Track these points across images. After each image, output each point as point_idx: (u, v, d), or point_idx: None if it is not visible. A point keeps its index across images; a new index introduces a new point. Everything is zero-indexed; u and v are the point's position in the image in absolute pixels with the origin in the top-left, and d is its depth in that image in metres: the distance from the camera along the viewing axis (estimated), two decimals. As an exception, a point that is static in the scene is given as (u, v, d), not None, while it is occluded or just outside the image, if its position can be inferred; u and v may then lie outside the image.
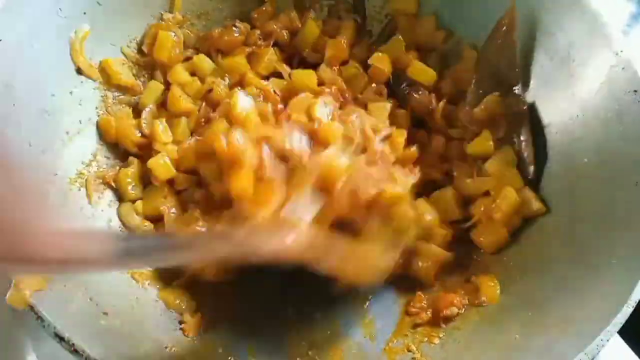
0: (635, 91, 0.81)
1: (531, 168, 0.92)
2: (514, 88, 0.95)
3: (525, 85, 0.96)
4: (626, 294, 0.67)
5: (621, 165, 0.81)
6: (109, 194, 0.88)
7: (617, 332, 0.67)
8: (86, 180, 0.85)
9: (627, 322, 0.66)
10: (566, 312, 0.74)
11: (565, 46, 0.91)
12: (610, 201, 0.80)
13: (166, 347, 0.74)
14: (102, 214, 0.86)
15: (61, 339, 0.58)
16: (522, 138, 0.93)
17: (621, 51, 0.84)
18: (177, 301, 0.82)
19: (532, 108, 0.95)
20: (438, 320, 0.85)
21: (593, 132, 0.86)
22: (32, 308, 0.59)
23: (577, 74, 0.90)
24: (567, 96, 0.91)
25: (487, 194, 0.92)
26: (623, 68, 0.83)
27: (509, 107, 0.95)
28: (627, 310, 0.66)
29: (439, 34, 1.06)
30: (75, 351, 0.58)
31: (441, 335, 0.83)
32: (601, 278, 0.74)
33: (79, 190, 0.84)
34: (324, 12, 1.11)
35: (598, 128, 0.85)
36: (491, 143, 0.94)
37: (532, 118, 0.95)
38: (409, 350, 0.82)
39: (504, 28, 0.95)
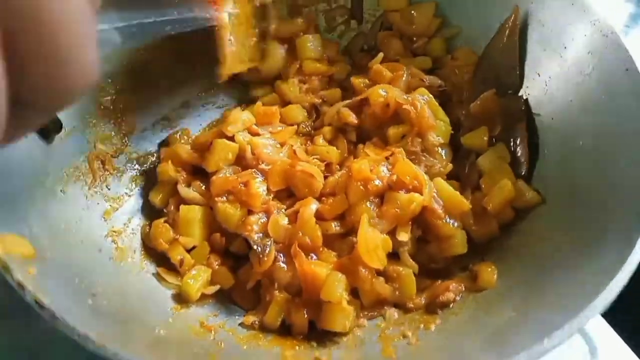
0: (627, 69, 0.81)
1: (524, 166, 0.92)
2: (512, 91, 0.97)
3: (521, 81, 0.97)
4: (620, 264, 0.65)
5: (615, 143, 0.80)
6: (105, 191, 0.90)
7: (617, 332, 0.65)
8: (88, 158, 0.88)
9: (626, 321, 0.65)
10: (561, 290, 0.72)
11: (557, 34, 0.91)
12: (606, 181, 0.79)
13: (155, 329, 0.73)
14: (97, 207, 0.87)
15: (41, 307, 0.58)
16: (517, 136, 0.93)
17: (611, 33, 0.84)
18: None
19: (527, 104, 0.95)
20: (434, 306, 0.83)
21: (587, 115, 0.86)
22: (14, 279, 0.59)
23: (569, 60, 0.90)
24: (561, 83, 0.91)
25: (478, 187, 0.92)
26: (614, 49, 0.83)
27: (506, 106, 0.95)
28: (622, 276, 0.64)
29: (435, 22, 1.07)
30: (54, 318, 0.57)
31: (437, 322, 0.81)
32: (596, 256, 0.72)
33: (75, 182, 0.85)
34: (319, 18, 1.13)
35: (592, 110, 0.85)
36: (486, 138, 0.94)
37: (527, 115, 0.94)
38: (405, 337, 0.80)
39: (507, 31, 0.97)
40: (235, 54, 0.92)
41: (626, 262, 0.65)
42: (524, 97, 0.95)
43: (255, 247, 0.83)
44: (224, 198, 0.87)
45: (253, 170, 0.90)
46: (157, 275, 0.86)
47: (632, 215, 0.71)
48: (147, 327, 0.73)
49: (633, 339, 0.88)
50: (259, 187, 0.87)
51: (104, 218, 0.87)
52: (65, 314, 0.58)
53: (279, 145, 0.94)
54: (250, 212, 0.87)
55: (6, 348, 0.87)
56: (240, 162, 0.91)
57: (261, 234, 0.85)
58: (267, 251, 0.83)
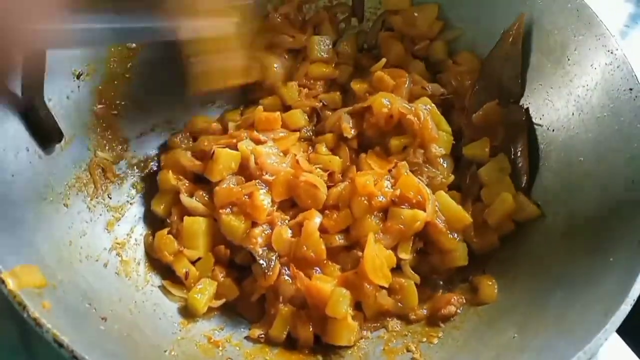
0: (631, 89, 0.81)
1: (524, 178, 0.93)
2: (514, 100, 0.97)
3: (522, 89, 0.97)
4: (624, 292, 0.67)
5: (617, 163, 0.81)
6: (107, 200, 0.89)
7: (617, 332, 0.67)
8: (89, 166, 0.87)
9: (626, 321, 0.66)
10: (564, 310, 0.74)
11: (561, 45, 0.91)
12: (607, 199, 0.80)
13: (165, 351, 0.74)
14: (100, 219, 0.86)
15: (60, 345, 0.58)
16: (518, 147, 0.94)
17: (616, 50, 0.84)
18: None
19: (528, 114, 0.96)
20: (437, 319, 0.85)
21: (589, 130, 0.86)
22: (32, 317, 0.59)
23: (572, 72, 0.90)
24: (563, 95, 0.91)
25: (479, 198, 0.93)
26: (618, 67, 0.84)
27: (508, 116, 0.95)
28: (626, 308, 0.66)
29: (437, 24, 1.06)
30: (74, 357, 0.57)
31: (440, 335, 0.83)
32: (599, 276, 0.74)
33: (77, 194, 0.84)
34: (320, 14, 1.11)
35: (594, 126, 0.86)
36: (487, 149, 0.95)
37: (528, 126, 0.95)
38: (409, 350, 0.82)
39: (510, 39, 0.96)
40: (205, 73, 0.88)
41: (635, 284, 0.67)
42: (525, 107, 0.96)
43: (260, 261, 0.84)
44: (228, 210, 0.87)
45: (257, 181, 0.89)
46: (163, 289, 0.86)
47: (633, 241, 0.72)
48: (158, 350, 0.73)
49: (633, 339, 0.90)
50: (263, 199, 0.87)
51: (107, 230, 0.86)
52: (82, 349, 0.58)
53: (281, 154, 0.94)
54: (254, 224, 0.87)
55: (6, 348, 0.87)
56: (243, 171, 0.90)
57: (265, 248, 0.85)
58: (272, 266, 0.83)
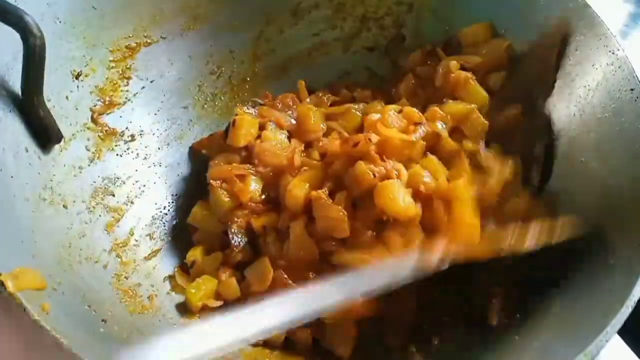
0: (632, 90, 0.81)
1: (536, 182, 0.91)
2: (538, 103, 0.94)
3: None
4: (625, 294, 0.67)
5: (618, 163, 0.80)
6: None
7: (617, 332, 0.66)
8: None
9: (627, 322, 0.66)
10: (565, 312, 0.73)
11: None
12: (608, 201, 0.80)
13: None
14: (100, 220, 0.86)
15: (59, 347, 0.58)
16: (535, 154, 0.92)
17: (618, 50, 0.84)
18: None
19: (549, 122, 0.93)
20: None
21: (590, 131, 0.86)
22: (31, 319, 0.59)
23: (573, 72, 0.90)
24: (565, 95, 0.91)
25: None
26: (619, 67, 0.83)
27: (529, 122, 0.93)
28: (626, 311, 0.66)
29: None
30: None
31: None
32: (600, 278, 0.73)
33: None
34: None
35: (595, 127, 0.85)
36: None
37: (549, 134, 0.93)
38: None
39: (550, 43, 0.93)
40: None
41: (635, 287, 0.67)
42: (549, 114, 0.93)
43: (231, 237, 0.87)
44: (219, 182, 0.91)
45: (248, 166, 0.92)
46: (171, 279, 0.89)
47: (634, 243, 0.72)
48: (158, 350, 0.73)
49: (633, 339, 0.90)
50: (254, 186, 0.90)
51: (106, 231, 0.86)
52: (81, 351, 0.58)
53: (286, 140, 0.96)
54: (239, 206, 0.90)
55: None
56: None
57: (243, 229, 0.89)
58: (240, 243, 0.88)
